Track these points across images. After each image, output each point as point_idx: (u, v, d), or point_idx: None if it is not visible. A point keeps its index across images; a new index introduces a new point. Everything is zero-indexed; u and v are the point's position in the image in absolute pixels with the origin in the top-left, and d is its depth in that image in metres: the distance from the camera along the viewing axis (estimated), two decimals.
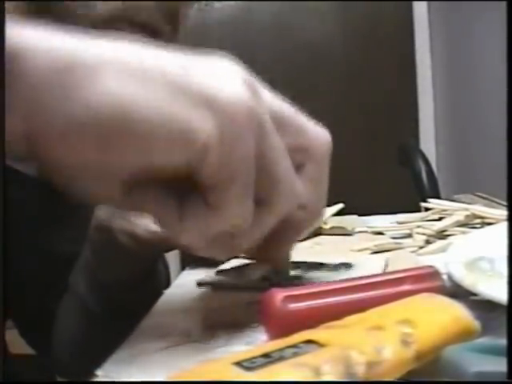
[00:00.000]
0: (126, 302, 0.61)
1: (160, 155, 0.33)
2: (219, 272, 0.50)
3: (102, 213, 0.58)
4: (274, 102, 0.38)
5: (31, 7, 0.57)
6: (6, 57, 0.30)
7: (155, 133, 0.32)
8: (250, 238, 0.38)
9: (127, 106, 0.32)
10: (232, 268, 0.52)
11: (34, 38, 0.31)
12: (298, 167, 0.38)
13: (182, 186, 0.35)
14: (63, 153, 0.32)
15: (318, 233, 0.68)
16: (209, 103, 0.33)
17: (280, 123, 0.37)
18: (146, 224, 0.53)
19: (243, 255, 0.45)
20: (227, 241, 0.37)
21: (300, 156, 0.38)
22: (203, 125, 0.32)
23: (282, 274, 0.45)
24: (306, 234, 0.42)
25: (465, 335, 0.31)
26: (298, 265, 0.51)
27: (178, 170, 0.34)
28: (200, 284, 0.48)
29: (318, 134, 0.40)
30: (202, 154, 0.33)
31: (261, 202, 0.36)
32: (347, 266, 0.50)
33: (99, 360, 0.37)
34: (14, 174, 0.43)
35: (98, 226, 0.59)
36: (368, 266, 0.49)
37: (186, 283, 0.54)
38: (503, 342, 0.28)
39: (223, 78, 0.34)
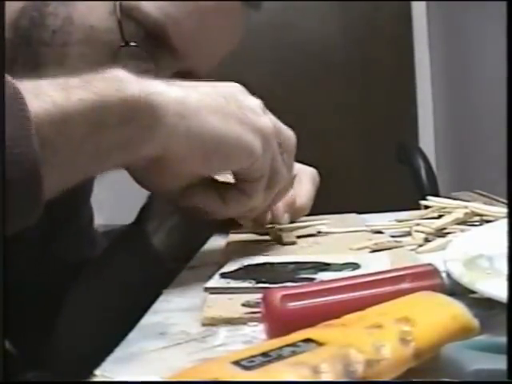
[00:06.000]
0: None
1: (236, 162, 0.52)
2: (224, 274, 0.50)
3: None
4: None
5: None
6: (150, 109, 0.47)
7: (238, 150, 0.52)
8: (263, 209, 0.60)
9: (224, 135, 0.51)
10: (236, 270, 0.52)
11: (160, 90, 0.48)
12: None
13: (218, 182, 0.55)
14: (181, 166, 0.51)
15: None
16: (258, 131, 0.52)
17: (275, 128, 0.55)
18: None
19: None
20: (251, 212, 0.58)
21: (280, 148, 0.56)
22: (257, 144, 0.52)
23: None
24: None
25: (464, 333, 0.31)
26: (304, 265, 0.51)
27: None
28: (207, 289, 0.47)
29: (291, 133, 0.58)
30: (254, 161, 0.52)
31: (268, 186, 0.55)
32: (354, 265, 0.50)
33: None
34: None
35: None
36: (375, 264, 0.49)
37: (185, 282, 0.54)
38: (503, 339, 0.28)
39: (258, 110, 0.54)
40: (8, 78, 0.41)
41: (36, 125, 0.40)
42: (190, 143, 0.50)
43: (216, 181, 0.55)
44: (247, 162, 0.52)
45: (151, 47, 0.61)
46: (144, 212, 0.74)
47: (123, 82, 0.46)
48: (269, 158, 0.54)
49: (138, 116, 0.46)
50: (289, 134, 0.58)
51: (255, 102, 0.54)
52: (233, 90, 0.54)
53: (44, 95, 0.42)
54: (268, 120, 0.54)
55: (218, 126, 0.50)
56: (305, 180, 0.74)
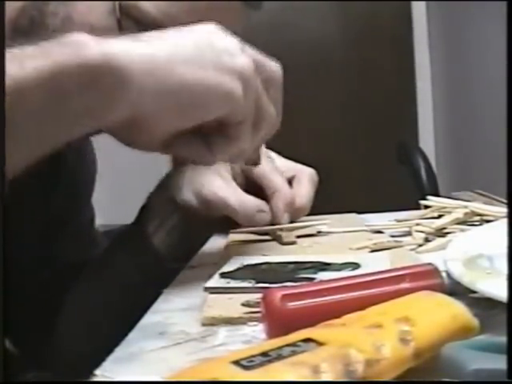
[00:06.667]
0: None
1: (217, 110, 0.50)
2: (224, 274, 0.50)
3: (171, 188, 0.72)
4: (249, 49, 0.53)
5: None
6: (113, 72, 0.45)
7: (214, 98, 0.50)
8: (253, 150, 0.57)
9: (197, 85, 0.49)
10: (236, 270, 0.52)
11: (123, 51, 0.46)
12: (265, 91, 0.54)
13: (202, 130, 0.52)
14: (157, 123, 0.49)
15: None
16: (236, 72, 0.50)
17: (256, 65, 0.52)
18: (211, 187, 0.69)
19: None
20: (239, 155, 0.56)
21: (265, 84, 0.54)
22: (236, 87, 0.50)
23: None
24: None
25: (464, 333, 0.31)
26: (304, 265, 0.51)
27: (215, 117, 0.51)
28: (207, 289, 0.47)
29: (275, 67, 0.56)
30: (235, 104, 0.50)
31: (254, 126, 0.53)
32: (354, 265, 0.50)
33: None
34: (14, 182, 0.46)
35: (169, 198, 0.72)
36: (375, 264, 0.49)
37: (185, 282, 0.54)
38: (502, 339, 0.28)
39: (235, 51, 0.51)
40: None
41: None
42: (163, 99, 0.48)
43: (200, 128, 0.52)
44: (227, 107, 0.50)
45: None
46: (144, 212, 0.74)
47: (82, 46, 0.44)
48: (251, 97, 0.51)
49: (101, 80, 0.45)
50: (273, 68, 0.55)
51: (231, 42, 0.52)
52: (206, 34, 0.52)
53: None
54: (246, 59, 0.51)
55: (191, 76, 0.49)
56: (304, 180, 0.74)
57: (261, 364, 0.27)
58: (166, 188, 0.73)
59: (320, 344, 0.29)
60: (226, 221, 0.71)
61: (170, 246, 0.72)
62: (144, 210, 0.74)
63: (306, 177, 0.75)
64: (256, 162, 0.63)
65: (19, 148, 0.43)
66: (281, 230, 0.68)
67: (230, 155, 0.54)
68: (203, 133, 0.53)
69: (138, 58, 0.47)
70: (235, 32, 0.66)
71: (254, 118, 0.52)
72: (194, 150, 0.53)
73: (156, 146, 0.52)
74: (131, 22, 0.59)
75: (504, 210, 0.65)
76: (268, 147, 0.74)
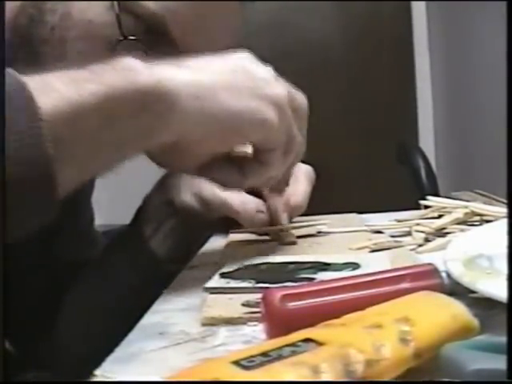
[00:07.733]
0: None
1: (254, 136, 0.52)
2: (223, 274, 0.50)
3: (169, 189, 0.73)
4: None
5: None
6: (164, 97, 0.46)
7: (252, 125, 0.51)
8: (281, 177, 0.58)
9: (238, 111, 0.50)
10: (236, 270, 0.52)
11: (171, 77, 0.48)
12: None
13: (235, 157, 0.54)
14: (198, 148, 0.51)
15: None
16: (272, 101, 0.52)
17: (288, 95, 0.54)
18: (210, 187, 0.69)
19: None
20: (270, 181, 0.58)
21: (294, 114, 0.55)
22: (272, 115, 0.52)
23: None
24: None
25: (464, 333, 0.31)
26: (304, 265, 0.51)
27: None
28: (207, 289, 0.47)
29: (303, 98, 0.58)
30: (271, 131, 0.52)
31: (284, 153, 0.55)
32: (354, 265, 0.50)
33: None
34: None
35: (167, 199, 0.72)
36: (375, 264, 0.49)
37: (185, 282, 0.54)
38: (502, 339, 0.28)
39: (271, 79, 0.53)
40: (14, 73, 0.41)
41: (47, 123, 0.40)
42: (206, 125, 0.50)
43: (233, 153, 0.55)
44: (264, 134, 0.52)
45: (150, 41, 0.61)
46: (140, 214, 0.74)
47: (133, 72, 0.46)
48: (284, 126, 0.53)
49: (150, 105, 0.46)
50: (301, 99, 0.57)
51: (266, 71, 0.54)
52: (242, 62, 0.53)
53: (52, 91, 0.42)
54: (281, 88, 0.53)
55: (232, 103, 0.50)
56: (300, 178, 0.74)
57: (261, 364, 0.27)
58: (163, 189, 0.73)
59: (320, 344, 0.29)
60: (225, 221, 0.71)
61: (168, 249, 0.72)
62: (141, 211, 0.74)
63: (302, 174, 0.75)
64: (282, 188, 0.66)
65: (71, 169, 0.44)
66: (281, 230, 0.68)
67: (260, 181, 0.56)
68: (236, 158, 0.55)
69: (184, 84, 0.48)
70: (235, 25, 0.66)
71: (284, 146, 0.54)
72: (227, 174, 0.55)
73: (193, 169, 0.54)
74: (130, 17, 0.59)
75: (504, 210, 0.65)
76: None
